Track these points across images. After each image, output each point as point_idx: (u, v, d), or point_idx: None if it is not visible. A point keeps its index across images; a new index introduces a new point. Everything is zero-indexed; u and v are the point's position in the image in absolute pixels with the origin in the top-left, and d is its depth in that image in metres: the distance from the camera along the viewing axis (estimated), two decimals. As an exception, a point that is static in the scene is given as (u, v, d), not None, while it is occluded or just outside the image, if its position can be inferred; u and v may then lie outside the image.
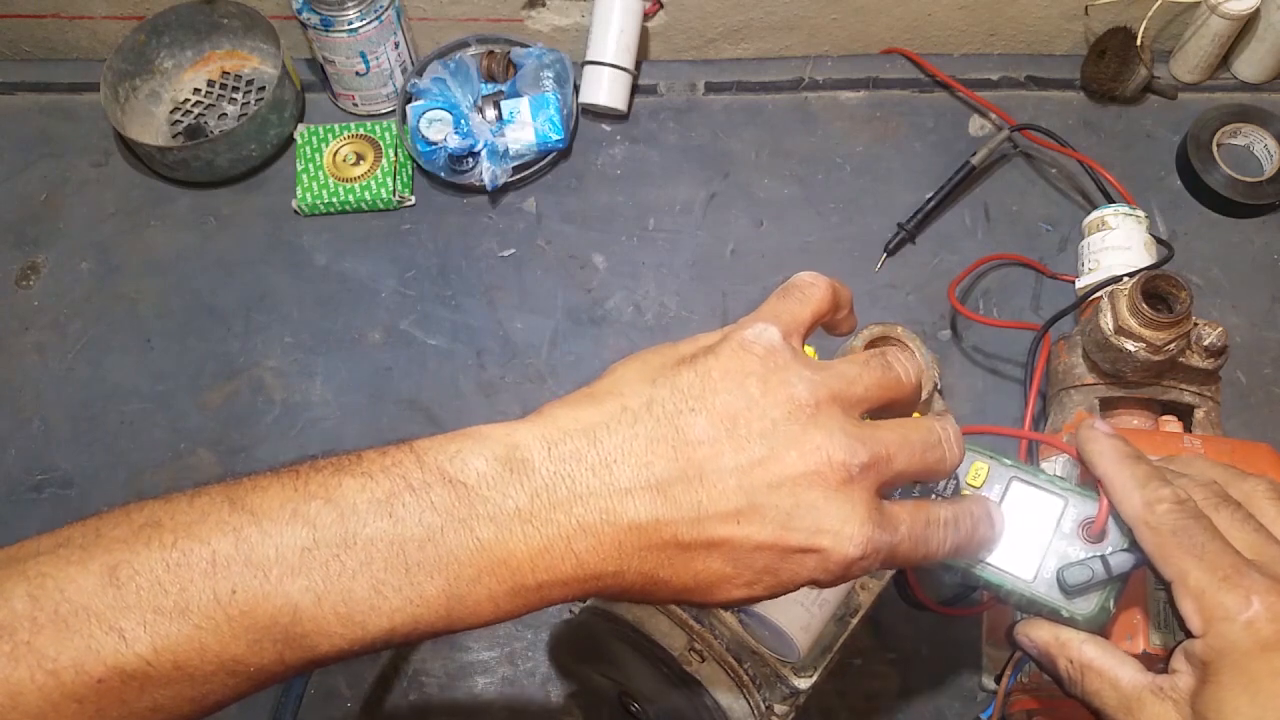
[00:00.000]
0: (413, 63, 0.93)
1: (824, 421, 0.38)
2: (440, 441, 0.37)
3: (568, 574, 0.36)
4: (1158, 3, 0.85)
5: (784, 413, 0.37)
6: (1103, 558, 0.45)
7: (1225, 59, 0.92)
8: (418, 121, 0.87)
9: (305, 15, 0.86)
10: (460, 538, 0.35)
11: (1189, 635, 0.41)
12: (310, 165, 0.89)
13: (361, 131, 0.90)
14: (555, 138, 0.87)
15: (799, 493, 0.37)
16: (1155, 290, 0.65)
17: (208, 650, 0.34)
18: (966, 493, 0.49)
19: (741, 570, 0.37)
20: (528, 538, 0.35)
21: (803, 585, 0.38)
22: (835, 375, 0.39)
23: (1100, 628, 0.46)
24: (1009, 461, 0.49)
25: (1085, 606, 0.46)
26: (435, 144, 0.86)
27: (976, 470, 0.49)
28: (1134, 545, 0.44)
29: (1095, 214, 0.78)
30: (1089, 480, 0.48)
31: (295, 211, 0.89)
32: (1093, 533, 0.46)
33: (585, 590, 0.37)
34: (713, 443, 0.37)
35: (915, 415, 0.49)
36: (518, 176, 0.89)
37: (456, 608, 0.35)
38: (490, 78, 0.92)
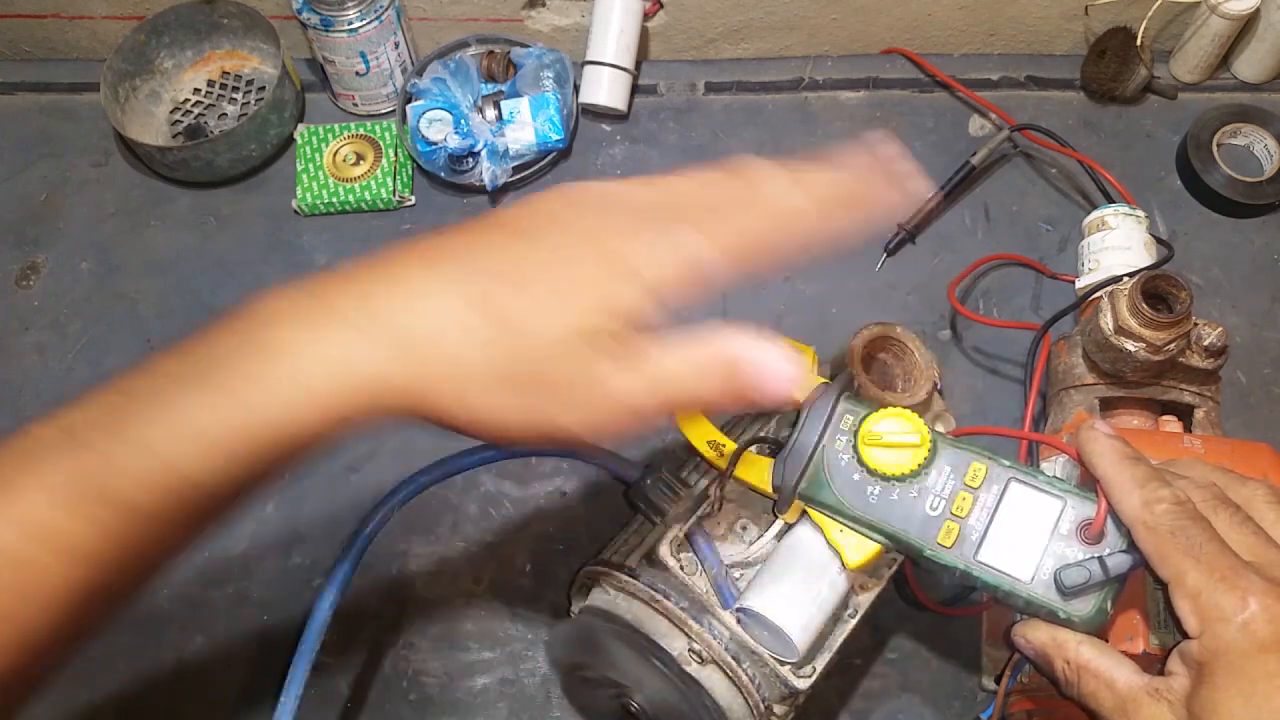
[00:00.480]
0: (413, 63, 0.93)
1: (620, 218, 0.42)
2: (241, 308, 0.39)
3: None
4: (1158, 3, 0.85)
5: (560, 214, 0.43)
6: (1100, 559, 0.45)
7: (1225, 59, 0.91)
8: (418, 121, 0.87)
9: (305, 15, 0.86)
10: (245, 352, 0.38)
11: (1185, 636, 0.41)
12: (310, 165, 0.89)
13: (361, 131, 0.90)
14: (555, 138, 0.87)
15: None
16: (1155, 290, 0.65)
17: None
18: (964, 494, 0.48)
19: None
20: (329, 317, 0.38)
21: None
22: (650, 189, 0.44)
23: (1098, 629, 0.46)
24: (1007, 462, 0.49)
25: (1083, 608, 0.46)
26: (435, 144, 0.86)
27: (975, 471, 0.49)
28: (1132, 546, 0.44)
29: (1095, 214, 0.78)
30: (1088, 482, 0.48)
31: (295, 211, 0.89)
32: (1091, 534, 0.46)
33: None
34: (498, 239, 0.41)
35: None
36: (518, 176, 0.89)
37: None
38: (490, 78, 0.92)
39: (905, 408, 0.50)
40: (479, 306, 0.37)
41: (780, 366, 0.41)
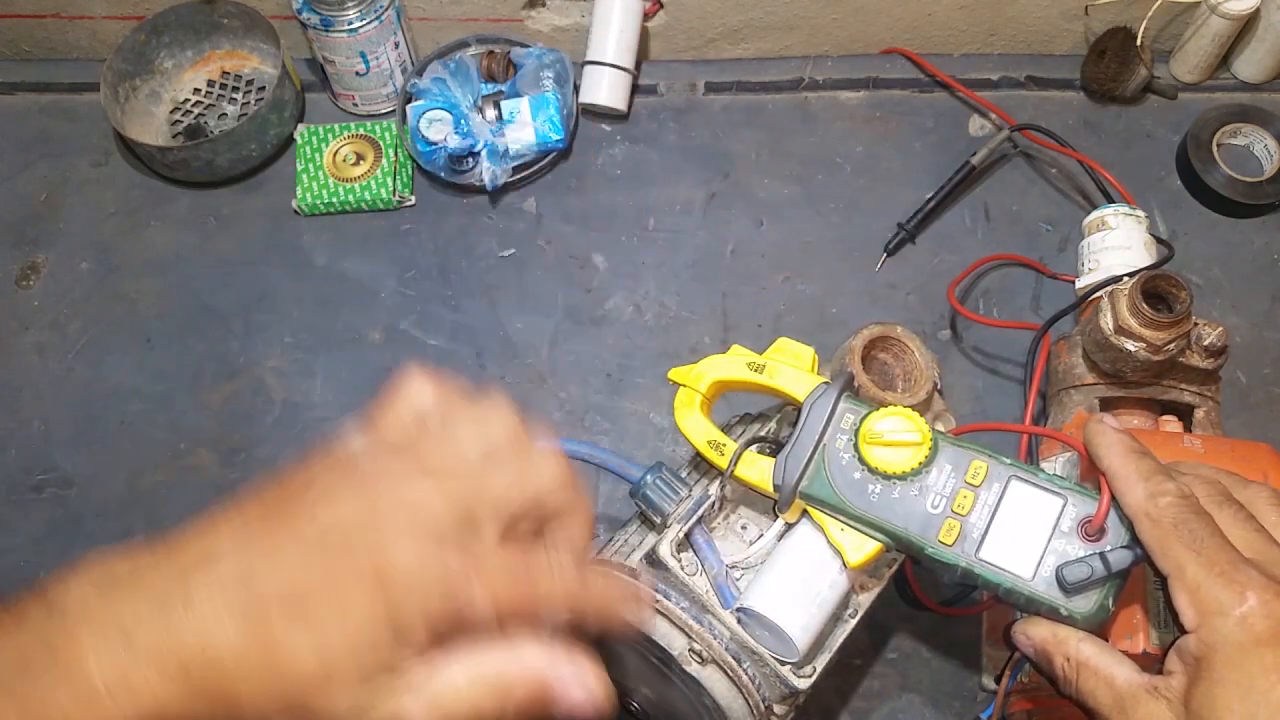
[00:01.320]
0: (413, 63, 0.93)
1: (395, 478, 0.37)
2: (60, 575, 0.36)
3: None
4: (1158, 3, 0.85)
5: (342, 480, 0.37)
6: (1102, 555, 0.45)
7: (1225, 59, 0.92)
8: (418, 121, 0.87)
9: (305, 15, 0.86)
10: (39, 654, 0.34)
11: (1183, 631, 0.41)
12: (310, 165, 0.89)
13: (361, 131, 0.90)
14: (555, 138, 0.87)
15: (349, 533, 0.36)
16: (1155, 290, 0.65)
17: None
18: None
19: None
20: (93, 641, 0.34)
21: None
22: (424, 447, 0.39)
23: (1099, 626, 0.46)
24: (1008, 460, 0.49)
25: (1084, 605, 0.46)
26: (435, 144, 0.86)
27: (976, 468, 0.49)
28: (1134, 541, 0.45)
29: (1095, 214, 0.78)
30: (1089, 479, 0.48)
31: (295, 211, 0.89)
32: (1092, 529, 0.46)
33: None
34: (273, 520, 0.36)
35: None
36: (518, 176, 0.89)
37: None
38: (490, 78, 0.92)
39: (906, 407, 0.50)
40: (254, 629, 0.34)
41: (588, 688, 0.38)
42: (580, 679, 0.38)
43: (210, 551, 0.35)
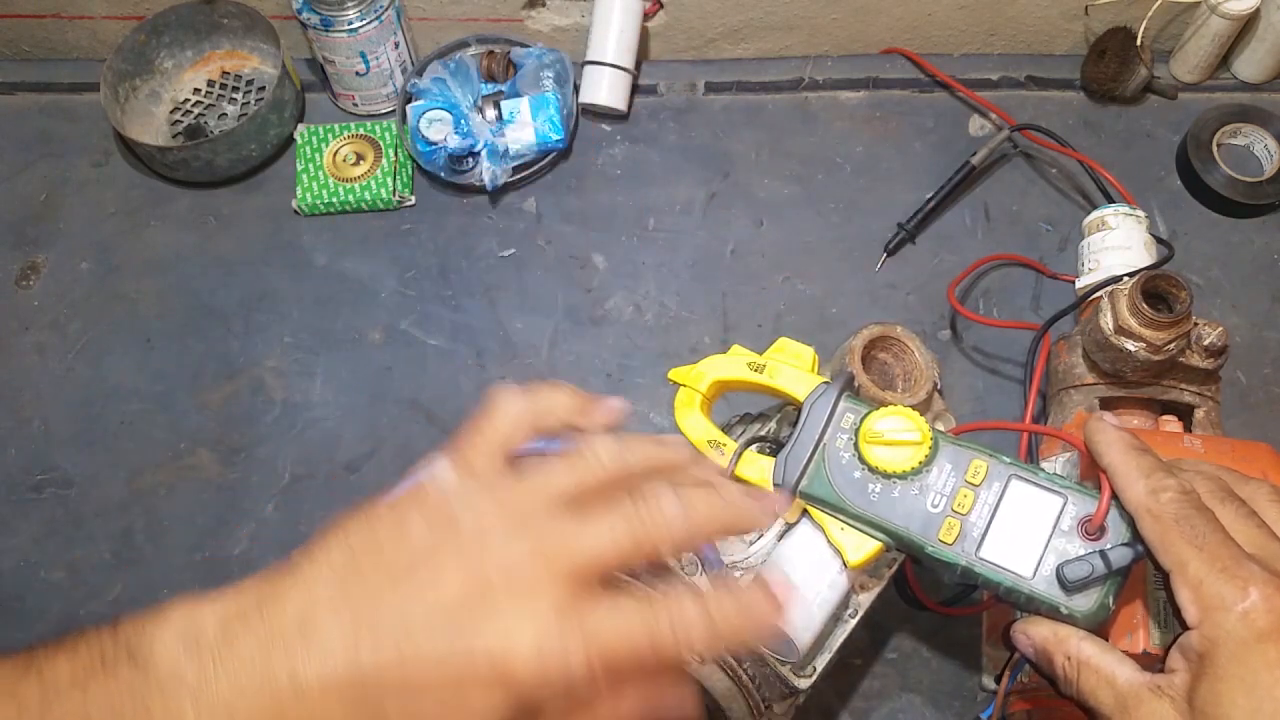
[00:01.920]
0: (413, 63, 0.93)
1: (494, 539, 0.36)
2: (138, 620, 0.36)
3: None
4: (1158, 3, 0.85)
5: (442, 543, 0.36)
6: (1102, 552, 0.45)
7: (1225, 59, 0.92)
8: (418, 121, 0.87)
9: (305, 15, 0.86)
10: (137, 714, 0.34)
11: (1185, 628, 0.41)
12: (310, 165, 0.89)
13: (361, 131, 0.90)
14: (555, 138, 0.87)
15: (458, 617, 0.34)
16: (1155, 290, 0.65)
17: None
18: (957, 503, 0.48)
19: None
20: (197, 712, 0.34)
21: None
22: (509, 489, 0.38)
23: (1100, 625, 0.46)
24: (1008, 460, 0.49)
25: (1085, 603, 0.46)
26: (435, 144, 0.86)
27: (976, 468, 0.49)
28: (1135, 538, 0.45)
29: (1095, 214, 0.78)
30: (1089, 478, 0.48)
31: (295, 211, 0.89)
32: (1092, 527, 0.46)
33: None
34: (375, 596, 0.35)
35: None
36: (518, 176, 0.89)
37: None
38: (490, 78, 0.92)
39: (906, 407, 0.50)
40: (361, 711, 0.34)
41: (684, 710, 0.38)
42: (681, 706, 0.38)
43: (306, 618, 0.34)
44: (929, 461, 0.49)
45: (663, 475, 0.40)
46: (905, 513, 0.49)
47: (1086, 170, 0.85)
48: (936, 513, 0.49)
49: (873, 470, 0.50)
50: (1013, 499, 0.48)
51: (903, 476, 0.49)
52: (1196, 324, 0.66)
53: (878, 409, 0.51)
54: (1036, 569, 0.46)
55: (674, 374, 0.57)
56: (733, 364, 0.56)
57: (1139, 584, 0.50)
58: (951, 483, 0.49)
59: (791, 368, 0.55)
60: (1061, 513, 0.47)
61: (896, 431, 0.49)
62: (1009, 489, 0.48)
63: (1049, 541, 0.47)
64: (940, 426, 0.64)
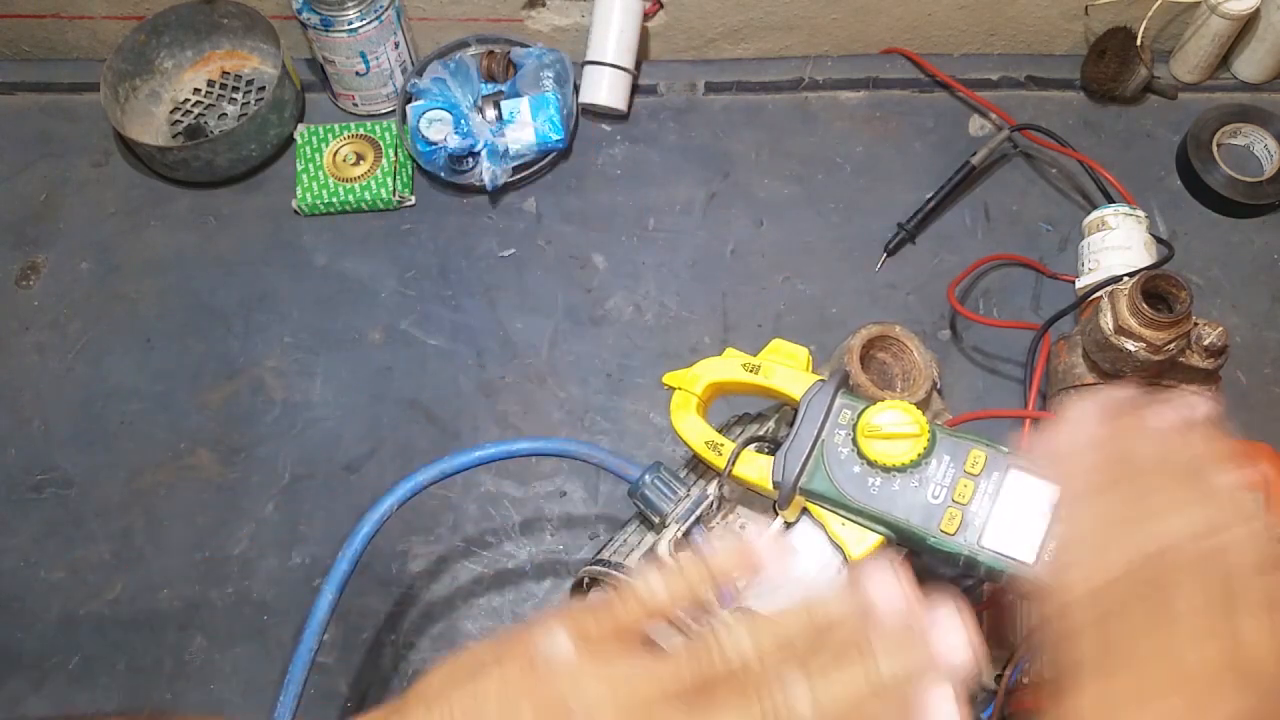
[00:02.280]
0: (413, 63, 0.93)
1: None
2: None
3: None
4: (1158, 3, 0.85)
5: None
6: None
7: (1225, 59, 0.91)
8: (418, 121, 0.87)
9: (305, 15, 0.86)
10: None
11: None
12: (310, 165, 0.89)
13: (361, 131, 0.90)
14: (555, 138, 0.87)
15: None
16: (1155, 290, 0.65)
17: None
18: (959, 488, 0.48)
19: None
20: None
21: None
22: (626, 679, 0.35)
23: None
24: (1006, 449, 0.49)
25: None
26: (435, 144, 0.86)
27: (975, 458, 0.49)
28: None
29: (1095, 214, 0.78)
30: None
31: (295, 211, 0.89)
32: None
33: None
34: None
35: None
36: (518, 176, 0.89)
37: None
38: (490, 78, 0.92)
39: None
40: None
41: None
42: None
43: None
44: (928, 454, 0.49)
45: (801, 659, 0.35)
46: (906, 505, 0.49)
47: (1086, 170, 0.85)
48: (937, 504, 0.49)
49: (872, 464, 0.50)
50: (1012, 487, 0.48)
51: (902, 469, 0.49)
52: (1196, 324, 0.66)
53: (875, 404, 0.51)
54: (1039, 555, 0.47)
55: (669, 378, 0.57)
56: (727, 366, 0.56)
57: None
58: (951, 474, 0.49)
59: (786, 368, 0.55)
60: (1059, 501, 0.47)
61: (894, 425, 0.50)
62: (1008, 478, 0.48)
63: (1049, 528, 0.47)
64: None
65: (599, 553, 0.60)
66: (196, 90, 0.95)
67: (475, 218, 0.89)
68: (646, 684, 0.34)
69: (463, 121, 0.87)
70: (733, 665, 0.35)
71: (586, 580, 0.61)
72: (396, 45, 0.90)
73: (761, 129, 0.92)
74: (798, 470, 0.51)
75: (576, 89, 0.91)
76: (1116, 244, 0.75)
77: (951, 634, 0.36)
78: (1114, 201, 0.80)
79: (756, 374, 0.55)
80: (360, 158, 0.89)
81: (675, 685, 0.34)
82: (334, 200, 0.88)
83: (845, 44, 0.97)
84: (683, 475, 0.59)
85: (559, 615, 0.36)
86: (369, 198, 0.88)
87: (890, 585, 0.37)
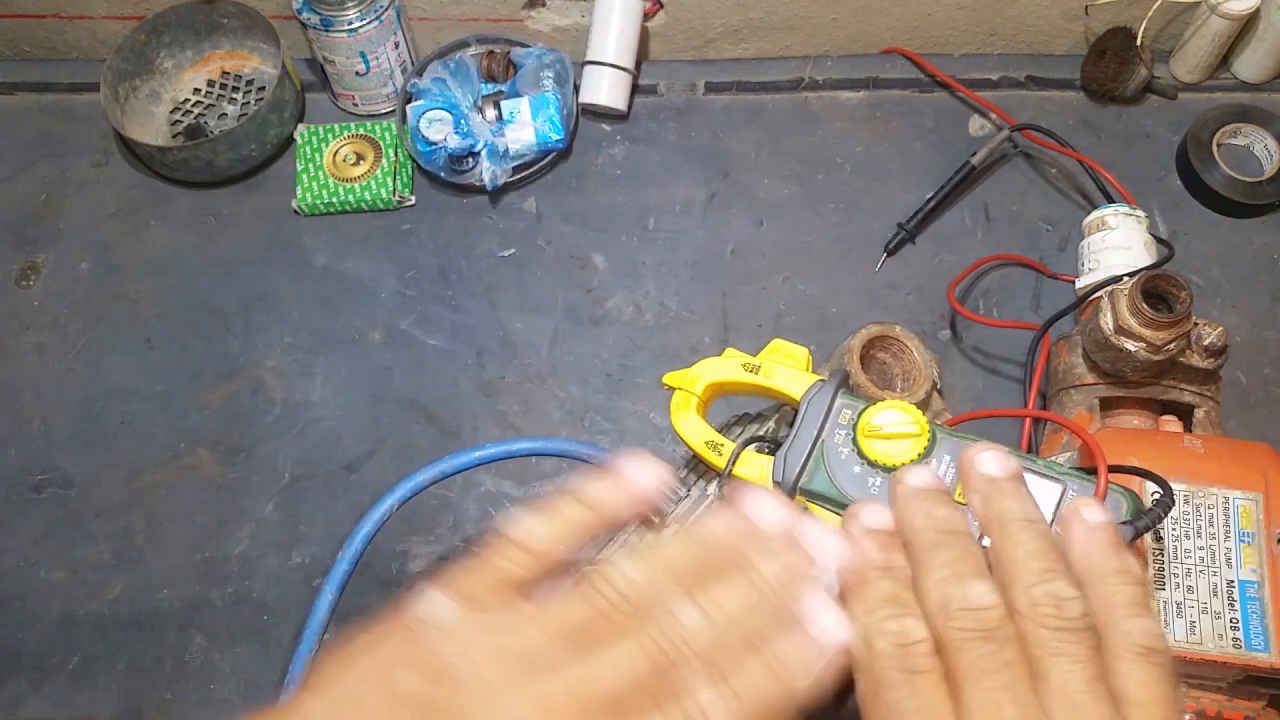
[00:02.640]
0: (413, 63, 0.93)
1: (491, 693, 0.32)
2: None
3: None
4: (1158, 3, 0.85)
5: (432, 699, 0.32)
6: None
7: (1225, 59, 0.91)
8: (418, 121, 0.87)
9: (305, 15, 0.86)
10: None
11: None
12: (310, 165, 0.89)
13: (361, 131, 0.90)
14: (555, 138, 0.87)
15: None
16: (1155, 290, 0.65)
17: None
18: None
19: None
20: None
21: None
22: (510, 628, 0.33)
23: None
24: (1006, 449, 0.49)
25: None
26: (435, 144, 0.86)
27: None
28: (1133, 518, 0.45)
29: (1095, 214, 0.78)
30: (1087, 465, 0.48)
31: (295, 211, 0.89)
32: None
33: None
34: None
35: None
36: (518, 176, 0.89)
37: None
38: (490, 78, 0.92)
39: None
40: None
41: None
42: None
43: None
44: (928, 454, 0.49)
45: (686, 581, 0.34)
46: None
47: (1086, 170, 0.85)
48: None
49: (872, 464, 0.50)
50: None
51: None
52: (1196, 324, 0.66)
53: (875, 404, 0.51)
54: None
55: (668, 378, 0.57)
56: (727, 366, 0.56)
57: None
58: (952, 473, 0.49)
59: (786, 368, 0.55)
60: (1061, 499, 0.47)
61: (894, 425, 0.49)
62: None
63: (1051, 527, 0.47)
64: (940, 426, 0.64)
65: (599, 553, 0.60)
66: (196, 90, 0.95)
67: (475, 218, 0.89)
68: (533, 630, 0.33)
69: (463, 121, 0.87)
70: (621, 598, 0.34)
71: (586, 580, 0.61)
72: (396, 45, 0.90)
73: (761, 129, 0.92)
74: (798, 470, 0.51)
75: (576, 89, 0.91)
76: (1116, 244, 0.75)
77: (825, 537, 0.36)
78: (1114, 201, 0.80)
79: (756, 374, 0.55)
80: (360, 158, 0.89)
81: (562, 627, 0.33)
82: (334, 200, 0.88)
83: (845, 44, 0.97)
84: (683, 475, 0.59)
85: (436, 580, 0.35)
86: (369, 198, 0.88)
87: (766, 501, 0.37)
